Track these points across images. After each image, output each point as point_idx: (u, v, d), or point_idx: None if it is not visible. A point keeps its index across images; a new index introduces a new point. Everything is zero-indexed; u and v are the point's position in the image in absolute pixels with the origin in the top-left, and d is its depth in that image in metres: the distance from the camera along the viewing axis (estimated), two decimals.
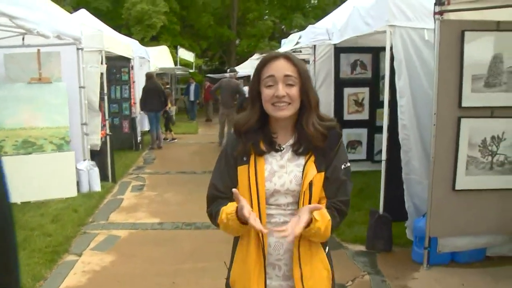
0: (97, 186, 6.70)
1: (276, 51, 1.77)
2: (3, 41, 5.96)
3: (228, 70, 13.13)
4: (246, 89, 18.50)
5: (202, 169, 8.66)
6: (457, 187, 3.90)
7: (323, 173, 1.68)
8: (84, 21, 7.92)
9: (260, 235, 1.64)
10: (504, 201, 3.99)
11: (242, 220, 1.58)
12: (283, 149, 1.71)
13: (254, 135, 1.70)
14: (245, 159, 1.70)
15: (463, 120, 3.84)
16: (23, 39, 5.89)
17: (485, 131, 3.90)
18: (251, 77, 1.76)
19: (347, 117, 7.20)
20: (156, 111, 11.17)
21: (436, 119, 3.82)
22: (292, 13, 25.53)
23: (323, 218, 1.59)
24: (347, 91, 7.22)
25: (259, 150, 1.69)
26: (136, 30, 19.80)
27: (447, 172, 3.90)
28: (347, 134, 7.16)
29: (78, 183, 6.48)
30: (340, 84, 7.15)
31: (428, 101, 4.07)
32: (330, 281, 1.78)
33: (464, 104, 3.83)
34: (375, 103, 7.20)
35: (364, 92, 7.26)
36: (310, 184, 1.65)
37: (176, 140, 12.75)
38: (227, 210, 1.66)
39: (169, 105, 13.01)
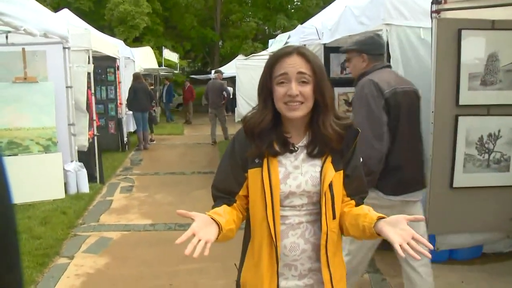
0: (85, 188, 6.57)
1: (288, 45, 1.68)
2: None
3: (213, 71, 13.25)
4: (230, 89, 18.61)
5: (192, 169, 8.60)
6: (454, 185, 3.91)
7: (341, 172, 1.63)
8: (69, 21, 7.78)
9: (274, 237, 1.59)
10: (500, 199, 4.02)
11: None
12: (297, 149, 1.63)
13: (268, 136, 1.61)
14: (257, 161, 1.62)
15: (460, 118, 3.85)
16: (6, 37, 5.72)
17: (482, 129, 3.92)
18: (262, 73, 1.65)
19: None
20: (144, 111, 11.13)
21: (434, 117, 3.83)
22: (275, 15, 25.60)
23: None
24: (338, 91, 7.19)
25: (273, 151, 1.60)
26: (119, 31, 19.63)
27: (445, 170, 3.91)
28: None
29: (65, 185, 6.35)
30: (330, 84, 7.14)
31: (425, 100, 4.07)
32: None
33: (461, 102, 3.84)
34: None
35: (354, 92, 7.27)
36: (330, 185, 1.59)
37: (154, 142, 12.47)
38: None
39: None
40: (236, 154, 1.68)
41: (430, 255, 1.37)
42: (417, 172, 2.98)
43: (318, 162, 1.62)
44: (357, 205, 1.68)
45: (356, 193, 1.70)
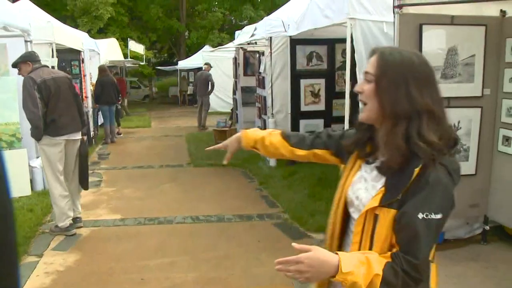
0: None
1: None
2: None
3: (204, 64, 14.17)
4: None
5: (159, 163, 8.56)
6: None
7: (392, 211, 1.33)
8: (29, 13, 7.56)
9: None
10: (460, 187, 4.18)
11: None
12: (372, 163, 1.47)
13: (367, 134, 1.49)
14: (346, 157, 1.56)
15: None
16: None
17: None
18: None
19: (304, 108, 7.35)
20: (111, 104, 11.01)
21: None
22: (241, 5, 25.47)
23: (361, 270, 1.24)
24: (304, 82, 7.33)
25: (363, 153, 1.50)
26: (83, 21, 19.14)
27: None
28: (304, 125, 7.31)
29: (31, 181, 6.23)
30: (296, 76, 7.27)
31: None
32: None
33: None
34: (331, 94, 7.38)
35: (320, 83, 7.40)
36: (376, 217, 1.36)
37: (121, 135, 12.38)
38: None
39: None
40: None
41: None
42: (70, 122, 4.82)
43: (379, 186, 1.41)
44: (391, 257, 1.32)
45: (403, 248, 1.31)
